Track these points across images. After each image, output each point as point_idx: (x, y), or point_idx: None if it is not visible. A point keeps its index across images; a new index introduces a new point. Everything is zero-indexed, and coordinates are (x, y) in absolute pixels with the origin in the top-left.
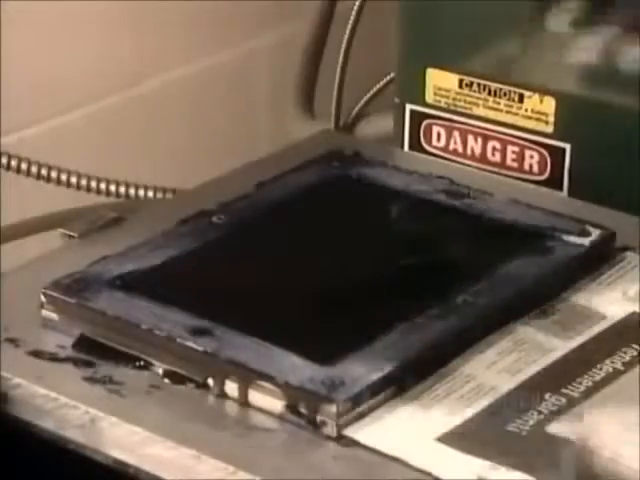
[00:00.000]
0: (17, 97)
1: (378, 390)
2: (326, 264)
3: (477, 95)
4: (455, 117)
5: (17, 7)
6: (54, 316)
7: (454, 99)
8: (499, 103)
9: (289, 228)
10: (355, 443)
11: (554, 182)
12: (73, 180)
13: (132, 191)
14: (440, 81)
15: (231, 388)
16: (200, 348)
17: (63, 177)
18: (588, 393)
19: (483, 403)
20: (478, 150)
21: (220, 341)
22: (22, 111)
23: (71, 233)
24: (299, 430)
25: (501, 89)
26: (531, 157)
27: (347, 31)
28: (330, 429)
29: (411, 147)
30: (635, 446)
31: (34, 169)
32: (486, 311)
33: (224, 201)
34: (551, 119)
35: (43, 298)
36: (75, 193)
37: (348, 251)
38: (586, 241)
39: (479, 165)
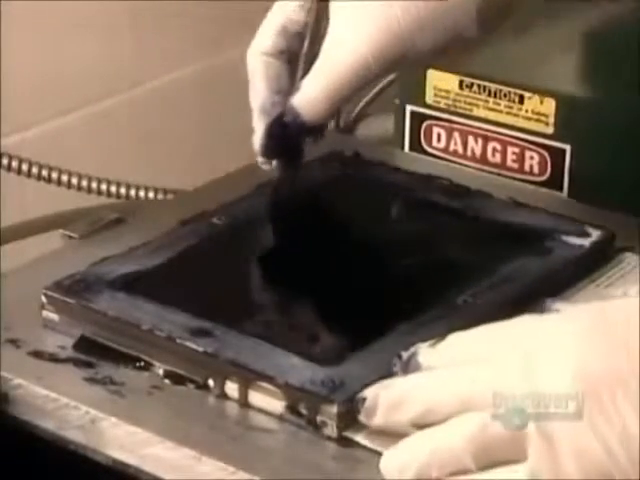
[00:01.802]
0: (18, 98)
1: None
2: (326, 265)
3: (477, 96)
4: (455, 118)
5: (17, 8)
6: (55, 317)
7: (454, 100)
8: (499, 104)
9: (289, 229)
10: (355, 444)
11: (554, 183)
12: (74, 181)
13: (133, 192)
14: (440, 82)
15: (231, 389)
16: (200, 349)
17: (64, 178)
18: None
19: None
20: (478, 151)
21: (220, 342)
22: (23, 112)
23: (72, 234)
24: (299, 431)
25: (501, 90)
26: (531, 158)
27: None
28: (330, 430)
29: (411, 148)
30: None
31: (35, 170)
32: (486, 312)
33: (225, 202)
34: (551, 120)
35: (44, 299)
36: (76, 194)
37: (348, 252)
38: (586, 242)
39: (479, 166)
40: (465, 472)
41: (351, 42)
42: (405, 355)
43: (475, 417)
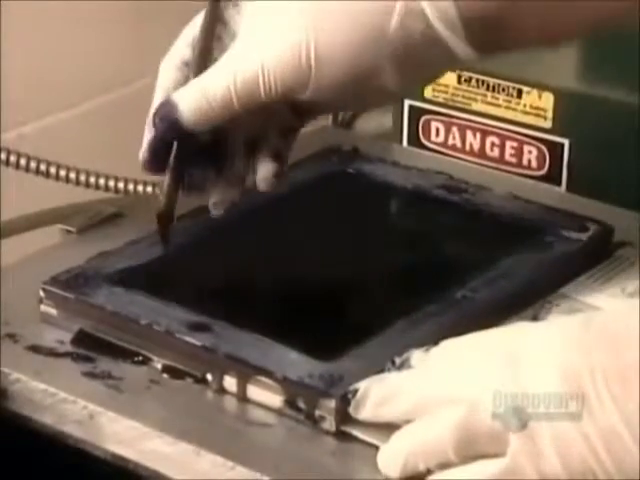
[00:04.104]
0: (17, 94)
1: None
2: (325, 260)
3: (476, 90)
4: (454, 112)
5: (17, 5)
6: (53, 311)
7: (453, 94)
8: (498, 98)
9: (288, 224)
10: (354, 438)
11: (552, 177)
12: (72, 176)
13: (131, 187)
14: None
15: (230, 383)
16: (199, 343)
17: (62, 173)
18: None
19: None
20: (477, 145)
21: (219, 336)
22: (22, 107)
23: (70, 228)
24: (298, 425)
25: (499, 84)
26: (529, 152)
27: None
28: (329, 424)
29: (410, 143)
30: None
31: (33, 164)
32: (485, 306)
33: None
34: (549, 114)
35: (42, 293)
36: (74, 189)
37: (347, 247)
38: (584, 236)
39: (478, 160)
40: (450, 464)
41: (246, 56)
42: (398, 360)
43: (459, 410)
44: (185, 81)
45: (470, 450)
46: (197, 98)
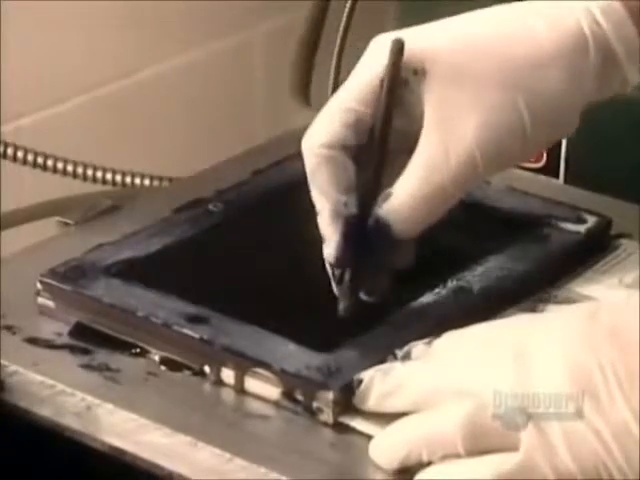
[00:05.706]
0: (15, 87)
1: None
2: (322, 252)
3: None
4: None
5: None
6: (50, 303)
7: None
8: None
9: (286, 216)
10: (351, 430)
11: (550, 170)
12: (70, 168)
13: (128, 179)
14: None
15: (227, 375)
16: (196, 335)
17: (60, 165)
18: None
19: None
20: None
21: (216, 328)
22: (20, 100)
23: (68, 221)
24: (295, 417)
25: None
26: None
27: (343, 20)
28: (326, 416)
29: None
30: None
31: (31, 157)
32: (482, 299)
33: (220, 189)
34: None
35: (39, 286)
36: (72, 182)
37: None
38: (582, 228)
39: None
40: (455, 457)
41: (456, 141)
42: (400, 353)
43: (469, 404)
44: (346, 173)
45: (479, 444)
46: (413, 212)
